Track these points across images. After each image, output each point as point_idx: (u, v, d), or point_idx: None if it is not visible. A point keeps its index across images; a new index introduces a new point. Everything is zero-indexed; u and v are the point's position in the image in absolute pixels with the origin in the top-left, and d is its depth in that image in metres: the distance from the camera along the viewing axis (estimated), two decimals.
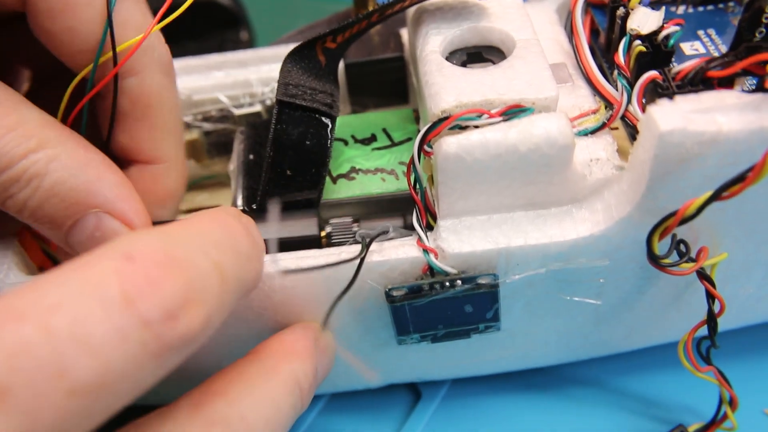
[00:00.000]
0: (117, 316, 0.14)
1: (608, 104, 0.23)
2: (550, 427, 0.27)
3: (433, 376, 0.28)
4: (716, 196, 0.18)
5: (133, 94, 0.22)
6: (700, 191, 0.19)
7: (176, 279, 0.15)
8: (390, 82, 0.29)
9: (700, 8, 0.25)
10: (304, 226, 0.23)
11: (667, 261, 0.21)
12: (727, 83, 0.20)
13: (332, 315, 0.22)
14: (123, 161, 0.23)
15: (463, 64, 0.23)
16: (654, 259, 0.21)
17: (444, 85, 0.21)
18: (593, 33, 0.26)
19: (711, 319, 0.23)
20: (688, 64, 0.20)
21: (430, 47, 0.23)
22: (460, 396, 0.29)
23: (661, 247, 0.21)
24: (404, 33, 0.30)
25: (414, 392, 0.29)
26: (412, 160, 0.22)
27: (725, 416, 0.25)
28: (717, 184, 0.18)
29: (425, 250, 0.21)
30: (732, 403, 0.25)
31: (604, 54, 0.25)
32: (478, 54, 0.24)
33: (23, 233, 0.25)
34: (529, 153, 0.20)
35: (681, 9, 0.25)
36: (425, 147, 0.21)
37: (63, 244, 0.21)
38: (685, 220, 0.19)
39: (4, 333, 0.13)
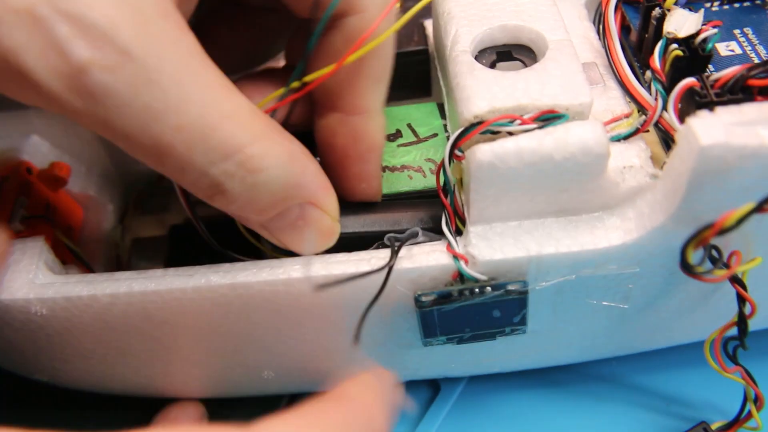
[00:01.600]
0: None
1: (641, 108, 0.22)
2: (568, 422, 0.28)
3: (455, 373, 0.28)
4: (758, 209, 0.18)
5: (349, 35, 0.20)
6: (737, 202, 0.18)
7: None
8: (413, 76, 0.29)
9: (736, 4, 0.25)
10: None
11: (700, 269, 0.21)
12: None
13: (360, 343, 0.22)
14: (321, 107, 0.22)
15: (493, 64, 0.23)
16: (688, 269, 0.20)
17: (476, 89, 0.21)
18: (624, 29, 0.26)
19: (742, 322, 0.23)
20: (727, 72, 0.20)
21: (460, 47, 0.22)
22: (478, 390, 0.29)
23: (694, 258, 0.21)
24: (428, 25, 0.29)
25: (433, 386, 0.29)
26: (442, 164, 0.21)
27: (749, 415, 0.25)
28: (756, 195, 0.18)
29: (455, 257, 0.21)
30: (758, 401, 0.25)
31: (635, 53, 0.25)
32: (507, 53, 0.23)
33: (47, 231, 0.24)
34: (564, 161, 0.20)
35: (716, 5, 0.25)
36: (456, 151, 0.21)
37: (257, 227, 0.21)
38: (723, 232, 0.19)
39: None
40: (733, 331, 0.23)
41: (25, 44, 0.16)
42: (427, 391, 0.29)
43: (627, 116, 0.22)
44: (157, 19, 0.17)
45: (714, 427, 0.26)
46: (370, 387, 0.21)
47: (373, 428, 0.19)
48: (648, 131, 0.23)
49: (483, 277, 0.21)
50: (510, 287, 0.21)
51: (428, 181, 0.24)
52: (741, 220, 0.18)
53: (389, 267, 0.20)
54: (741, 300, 0.22)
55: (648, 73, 0.22)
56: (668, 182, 0.20)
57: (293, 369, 0.25)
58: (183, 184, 0.19)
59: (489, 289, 0.21)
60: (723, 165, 0.18)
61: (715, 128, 0.18)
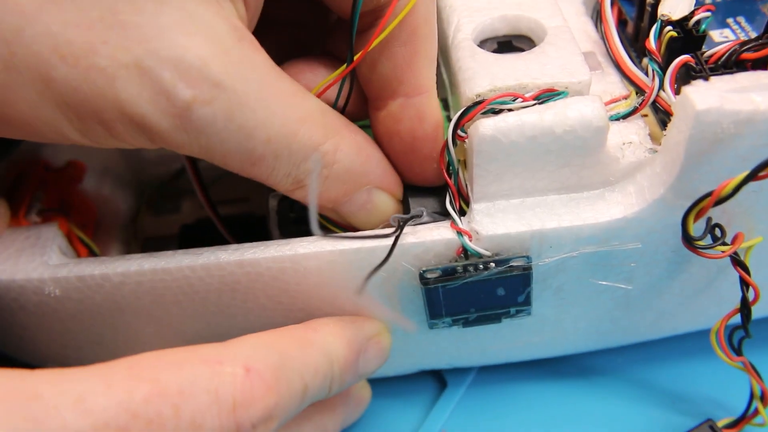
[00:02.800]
0: (224, 416, 0.17)
1: (639, 90, 0.23)
2: (575, 418, 0.27)
3: (462, 363, 0.28)
4: (753, 176, 0.19)
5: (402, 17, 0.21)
6: (734, 173, 0.19)
7: (271, 397, 0.18)
8: None
9: None
10: None
11: (701, 243, 0.21)
12: (761, 65, 0.20)
13: (366, 295, 0.23)
14: (379, 99, 0.23)
15: (494, 53, 0.23)
16: (689, 240, 0.21)
17: (478, 70, 0.22)
18: (620, 23, 0.26)
19: (745, 307, 0.23)
20: (721, 47, 0.20)
21: (462, 35, 0.23)
22: (485, 385, 0.29)
23: (695, 231, 0.21)
24: None
25: (440, 381, 0.29)
26: (445, 145, 0.22)
27: (756, 411, 0.25)
28: (752, 165, 0.18)
29: (459, 233, 0.22)
30: (764, 397, 0.24)
31: (632, 44, 0.25)
32: (508, 43, 0.24)
33: (62, 221, 0.25)
34: (564, 135, 0.20)
35: None
36: (459, 132, 0.22)
37: (327, 211, 0.23)
38: (720, 201, 0.19)
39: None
40: (738, 319, 0.23)
41: (138, 95, 0.17)
42: (434, 386, 0.29)
43: (625, 98, 0.23)
44: (235, 45, 0.18)
45: (720, 424, 0.26)
46: (340, 322, 0.23)
47: (335, 355, 0.21)
48: (647, 116, 0.24)
49: (487, 253, 0.22)
50: (513, 263, 0.22)
51: None
52: (737, 188, 0.19)
53: (396, 235, 0.21)
54: (744, 285, 0.22)
55: (645, 60, 0.23)
56: (666, 154, 0.20)
57: None
58: (267, 183, 0.21)
59: (493, 264, 0.21)
60: (719, 131, 0.19)
61: (709, 94, 0.18)
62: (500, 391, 0.29)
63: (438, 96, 0.29)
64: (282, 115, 0.19)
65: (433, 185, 0.24)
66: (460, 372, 0.29)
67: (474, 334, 0.25)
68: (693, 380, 0.28)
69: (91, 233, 0.29)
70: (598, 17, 0.26)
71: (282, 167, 0.20)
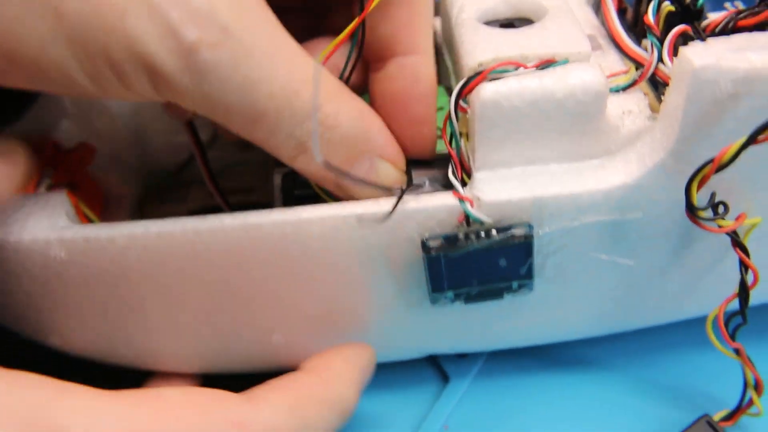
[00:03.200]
0: None
1: (638, 65, 0.23)
2: (578, 413, 0.27)
3: (465, 347, 0.28)
4: (752, 139, 0.19)
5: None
6: (735, 138, 0.19)
7: None
8: None
9: None
10: None
11: (704, 214, 0.21)
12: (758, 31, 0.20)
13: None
14: (377, 61, 0.23)
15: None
16: (692, 209, 0.21)
17: (479, 43, 0.22)
18: (620, 12, 0.27)
19: (743, 291, 0.23)
20: (718, 16, 0.21)
21: (465, 14, 0.24)
22: (487, 380, 0.29)
23: (699, 203, 0.21)
24: (437, 22, 0.31)
25: (442, 375, 0.29)
26: (448, 115, 0.22)
27: (751, 402, 0.25)
28: (752, 129, 0.19)
29: (461, 199, 0.22)
30: (758, 386, 0.24)
31: (631, 29, 0.26)
32: (510, 25, 0.25)
33: (70, 194, 0.25)
34: (565, 100, 0.21)
35: None
36: (461, 103, 0.22)
37: (332, 185, 0.23)
38: (722, 167, 0.19)
39: None
40: (736, 306, 0.23)
41: (147, 32, 0.18)
42: (437, 381, 0.29)
43: (625, 72, 0.23)
44: None
45: (717, 417, 0.25)
46: (348, 363, 0.24)
47: (348, 405, 0.22)
48: (646, 94, 0.24)
49: (488, 220, 0.22)
50: (515, 231, 0.22)
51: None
52: (737, 153, 0.19)
53: (399, 197, 0.21)
54: (743, 267, 0.22)
55: (645, 41, 0.24)
56: (665, 120, 0.21)
57: (303, 331, 0.25)
58: (269, 147, 0.21)
59: (494, 232, 0.22)
60: (717, 91, 0.19)
61: (707, 53, 0.19)
62: (502, 386, 0.29)
63: (441, 83, 0.30)
64: (286, 72, 0.19)
65: (426, 155, 0.24)
66: (463, 366, 0.29)
67: (476, 313, 0.25)
68: (689, 375, 0.28)
69: (97, 217, 0.29)
70: (598, 6, 0.27)
71: (284, 126, 0.20)
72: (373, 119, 0.22)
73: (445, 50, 0.29)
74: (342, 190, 0.23)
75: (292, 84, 0.20)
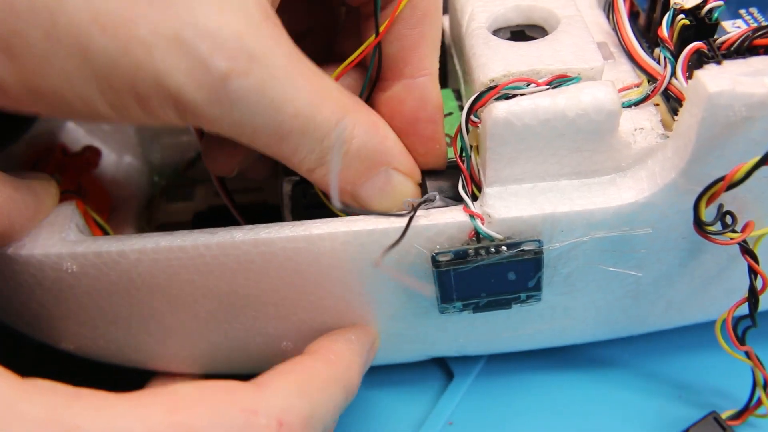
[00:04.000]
0: None
1: (651, 78, 0.23)
2: (582, 410, 0.28)
3: (471, 351, 0.28)
4: (765, 160, 0.19)
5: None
6: (746, 157, 0.19)
7: None
8: None
9: None
10: None
11: (712, 229, 0.21)
12: None
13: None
14: (385, 81, 0.24)
15: (507, 41, 0.24)
16: (700, 225, 0.21)
17: (492, 57, 0.22)
18: (632, 15, 0.27)
19: (752, 296, 0.23)
20: (733, 33, 0.20)
21: (476, 23, 0.24)
22: (492, 376, 0.29)
23: (707, 217, 0.21)
24: (444, 20, 0.31)
25: (446, 372, 0.30)
26: (459, 130, 0.22)
27: (759, 402, 0.25)
28: (765, 150, 0.18)
29: (471, 216, 0.22)
30: (767, 386, 0.25)
31: (644, 35, 0.26)
32: (521, 32, 0.24)
33: (79, 202, 0.25)
34: (577, 119, 0.20)
35: None
36: (472, 117, 0.22)
37: (346, 197, 0.23)
38: (733, 185, 0.19)
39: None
40: (745, 310, 0.23)
41: (176, 66, 0.18)
42: (441, 377, 0.30)
43: (637, 86, 0.23)
44: (263, 21, 0.19)
45: (725, 415, 0.26)
46: (351, 344, 0.24)
47: (352, 385, 0.23)
48: (658, 105, 0.24)
49: (499, 236, 0.22)
50: (525, 247, 0.22)
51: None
52: (750, 173, 0.19)
53: (410, 217, 0.21)
54: (752, 273, 0.23)
55: (657, 50, 0.23)
56: (678, 139, 0.21)
57: (312, 338, 0.25)
58: (291, 162, 0.21)
59: (504, 248, 0.22)
60: (731, 115, 0.19)
61: (722, 77, 0.19)
62: (507, 382, 0.29)
63: (450, 86, 0.30)
64: (307, 90, 0.20)
65: (438, 167, 0.24)
66: (467, 363, 0.29)
67: (484, 320, 0.25)
68: (697, 373, 0.28)
69: (105, 218, 0.29)
70: (610, 9, 0.27)
71: (307, 142, 0.20)
72: (387, 132, 0.23)
73: (453, 53, 0.29)
74: (358, 201, 0.23)
75: (314, 100, 0.20)
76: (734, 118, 0.19)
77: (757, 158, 0.19)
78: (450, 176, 0.24)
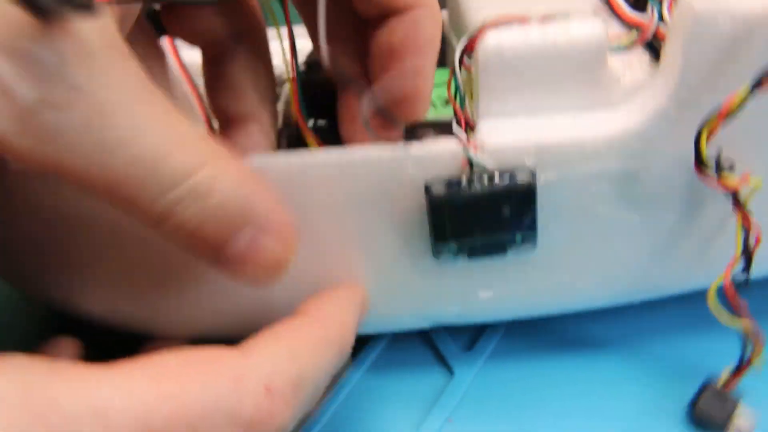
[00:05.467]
0: None
1: (640, 31, 0.24)
2: (583, 406, 0.27)
3: (469, 317, 0.27)
4: (757, 85, 0.19)
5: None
6: (739, 83, 0.19)
7: (287, 413, 0.19)
8: None
9: None
10: None
11: (711, 172, 0.21)
12: None
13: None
14: (378, 16, 0.23)
15: None
16: (701, 162, 0.21)
17: (484, 3, 0.23)
18: None
19: (746, 250, 0.23)
20: None
21: None
22: (492, 374, 0.29)
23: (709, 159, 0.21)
24: (444, 14, 0.32)
25: (446, 369, 0.29)
26: (452, 71, 0.23)
27: (750, 361, 0.24)
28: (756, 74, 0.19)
29: (464, 146, 0.22)
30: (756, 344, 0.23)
31: (634, 6, 0.27)
32: None
33: None
34: (567, 48, 0.21)
35: None
36: (465, 59, 0.23)
37: (211, 262, 0.20)
38: (730, 114, 0.20)
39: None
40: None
41: None
42: (441, 375, 0.29)
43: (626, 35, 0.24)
44: (103, 49, 0.16)
45: (719, 384, 0.25)
46: (341, 302, 0.23)
47: (344, 344, 0.22)
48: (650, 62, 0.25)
49: (491, 165, 0.22)
50: (517, 176, 0.22)
51: (438, 112, 0.26)
52: (744, 100, 0.19)
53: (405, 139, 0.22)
54: (744, 229, 0.22)
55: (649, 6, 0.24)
56: (667, 66, 0.21)
57: (301, 288, 0.25)
58: (130, 214, 0.18)
59: (497, 176, 0.22)
60: (717, 33, 0.19)
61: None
62: (507, 379, 0.28)
63: (445, 65, 0.31)
64: (151, 134, 0.17)
65: (415, 114, 0.24)
66: (467, 360, 0.29)
67: (480, 273, 0.25)
68: (691, 349, 0.28)
69: None
70: None
71: (148, 194, 0.17)
72: (257, 186, 0.19)
73: (453, 37, 0.30)
74: (224, 269, 0.20)
75: (160, 147, 0.17)
76: (721, 36, 0.20)
77: (749, 83, 0.19)
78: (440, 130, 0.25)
